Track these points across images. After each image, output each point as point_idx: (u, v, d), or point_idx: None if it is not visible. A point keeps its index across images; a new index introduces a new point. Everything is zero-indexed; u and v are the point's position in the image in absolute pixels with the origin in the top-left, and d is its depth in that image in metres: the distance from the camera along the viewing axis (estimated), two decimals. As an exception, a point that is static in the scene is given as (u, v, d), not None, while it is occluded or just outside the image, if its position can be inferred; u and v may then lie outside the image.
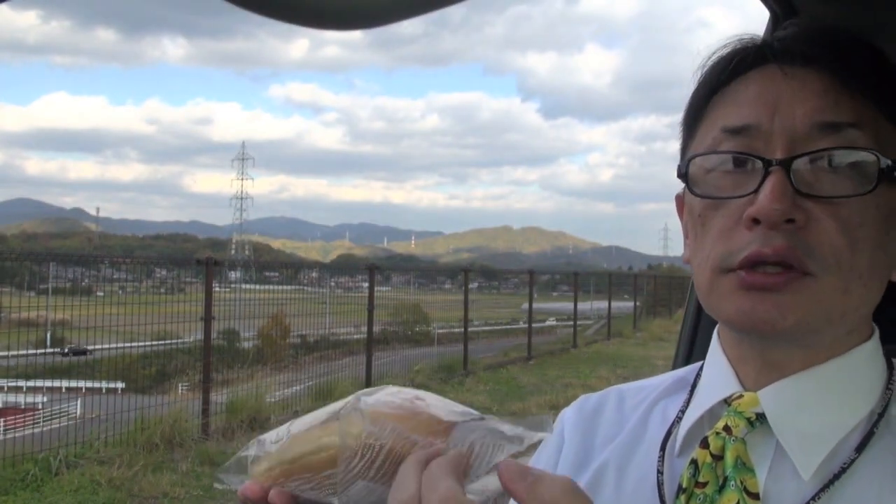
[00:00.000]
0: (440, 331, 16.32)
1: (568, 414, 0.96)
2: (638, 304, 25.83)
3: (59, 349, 10.17)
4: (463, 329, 14.17)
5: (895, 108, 0.73)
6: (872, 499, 0.70)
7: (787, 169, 0.70)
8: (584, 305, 22.13)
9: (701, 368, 0.89)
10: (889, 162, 0.70)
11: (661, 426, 0.86)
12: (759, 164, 0.71)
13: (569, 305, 20.59)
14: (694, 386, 0.87)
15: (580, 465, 0.89)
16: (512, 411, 9.71)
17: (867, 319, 0.78)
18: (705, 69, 0.80)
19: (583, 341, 19.01)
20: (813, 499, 0.71)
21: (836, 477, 0.71)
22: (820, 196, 0.70)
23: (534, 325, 16.74)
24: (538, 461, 0.95)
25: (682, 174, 0.78)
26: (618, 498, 0.84)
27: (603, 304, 23.30)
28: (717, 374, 0.82)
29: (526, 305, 17.67)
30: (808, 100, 0.72)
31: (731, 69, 0.77)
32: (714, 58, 0.79)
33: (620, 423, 0.91)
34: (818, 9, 1.18)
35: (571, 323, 19.36)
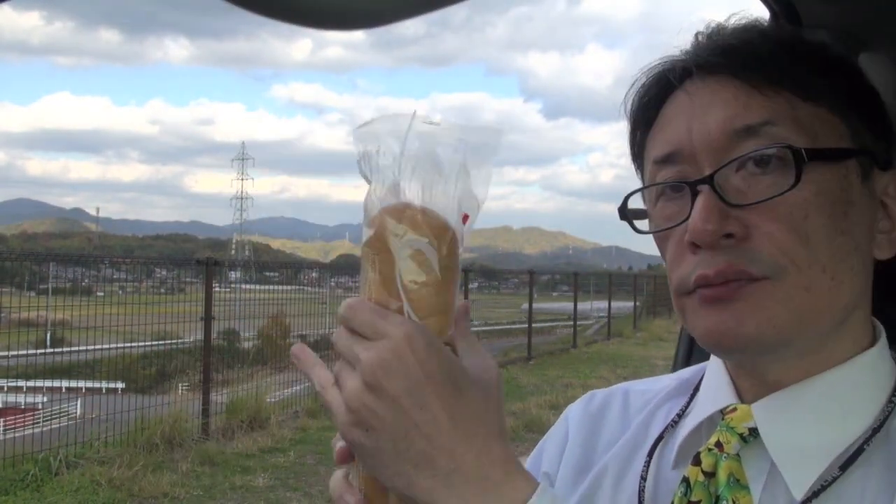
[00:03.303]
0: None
1: (574, 412, 0.94)
2: (638, 304, 25.81)
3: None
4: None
5: (810, 87, 0.70)
6: None
7: (713, 185, 0.69)
8: (584, 305, 22.11)
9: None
10: (806, 148, 0.67)
11: (661, 431, 0.84)
12: (687, 188, 0.71)
13: (569, 305, 20.57)
14: (696, 390, 0.85)
15: (582, 469, 0.88)
16: (512, 411, 9.72)
17: (864, 322, 0.74)
18: (629, 113, 0.80)
19: (583, 341, 19.00)
20: None
21: (815, 495, 0.68)
22: (750, 204, 0.68)
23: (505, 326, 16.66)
24: (541, 455, 0.94)
25: (622, 214, 0.78)
26: None
27: (603, 304, 23.28)
28: (715, 383, 0.80)
29: (526, 305, 17.66)
30: (719, 110, 0.70)
31: (647, 105, 0.77)
32: (633, 99, 0.79)
33: (624, 426, 0.89)
34: (818, 9, 1.18)
35: (571, 323, 19.36)
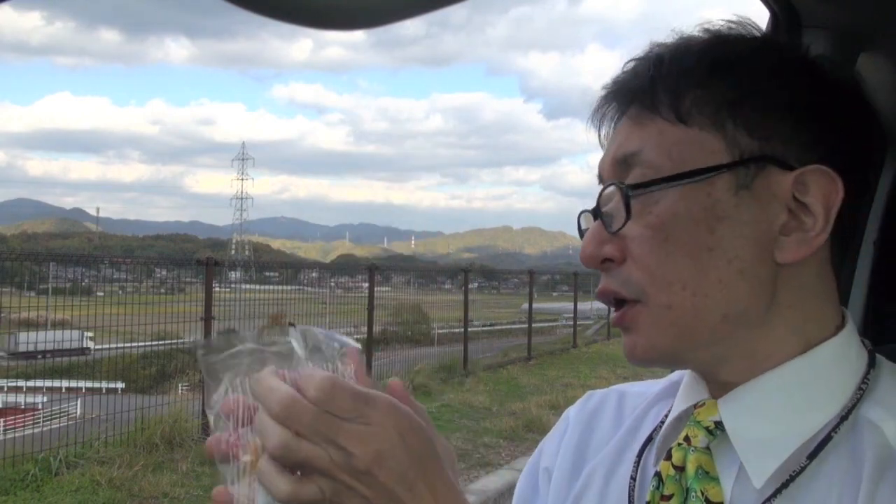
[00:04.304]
0: (440, 331, 16.32)
1: (573, 412, 0.96)
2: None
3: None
4: (463, 329, 14.16)
5: (679, 110, 0.73)
6: None
7: (599, 214, 0.76)
8: (584, 305, 22.10)
9: None
10: (637, 183, 0.73)
11: (650, 432, 0.86)
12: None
13: (569, 305, 20.56)
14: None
15: (575, 469, 0.89)
16: (512, 411, 9.72)
17: (809, 317, 0.74)
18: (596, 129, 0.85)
19: (583, 341, 19.01)
20: (765, 503, 0.70)
21: (785, 485, 0.70)
22: (615, 231, 0.74)
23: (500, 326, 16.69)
24: (541, 455, 0.95)
25: (580, 233, 0.82)
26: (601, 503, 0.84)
27: (603, 304, 23.17)
28: (690, 380, 0.82)
29: (526, 305, 17.65)
30: (613, 145, 0.78)
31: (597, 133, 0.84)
32: (594, 126, 0.84)
33: (616, 428, 0.91)
34: (818, 9, 1.18)
35: (571, 323, 19.35)
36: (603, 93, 0.81)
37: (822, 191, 0.72)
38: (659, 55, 0.77)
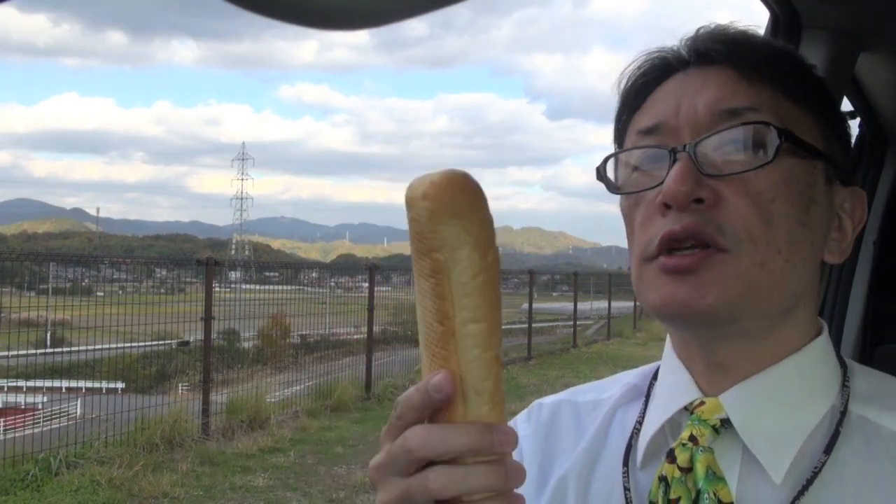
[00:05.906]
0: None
1: (521, 425, 0.95)
2: (638, 303, 25.72)
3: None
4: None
5: (794, 88, 0.75)
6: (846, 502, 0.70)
7: (691, 154, 0.72)
8: (584, 305, 22.10)
9: (654, 375, 0.88)
10: (784, 127, 0.71)
11: (622, 438, 0.85)
12: (667, 153, 0.74)
13: (569, 305, 20.56)
14: (648, 394, 0.87)
15: (541, 481, 0.88)
16: (511, 411, 9.69)
17: (809, 317, 0.78)
18: (622, 91, 0.83)
19: (583, 341, 19.01)
20: None
21: (810, 482, 0.70)
22: (723, 175, 0.71)
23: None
24: None
25: (600, 175, 0.81)
26: None
27: (603, 304, 23.28)
28: (674, 380, 0.81)
29: (526, 305, 17.65)
30: (709, 92, 0.75)
31: (642, 88, 0.81)
32: (628, 79, 0.83)
33: (578, 436, 0.90)
34: (818, 9, 1.18)
35: (571, 323, 19.36)
36: (685, 45, 0.80)
37: (857, 212, 0.79)
38: (765, 38, 0.81)
